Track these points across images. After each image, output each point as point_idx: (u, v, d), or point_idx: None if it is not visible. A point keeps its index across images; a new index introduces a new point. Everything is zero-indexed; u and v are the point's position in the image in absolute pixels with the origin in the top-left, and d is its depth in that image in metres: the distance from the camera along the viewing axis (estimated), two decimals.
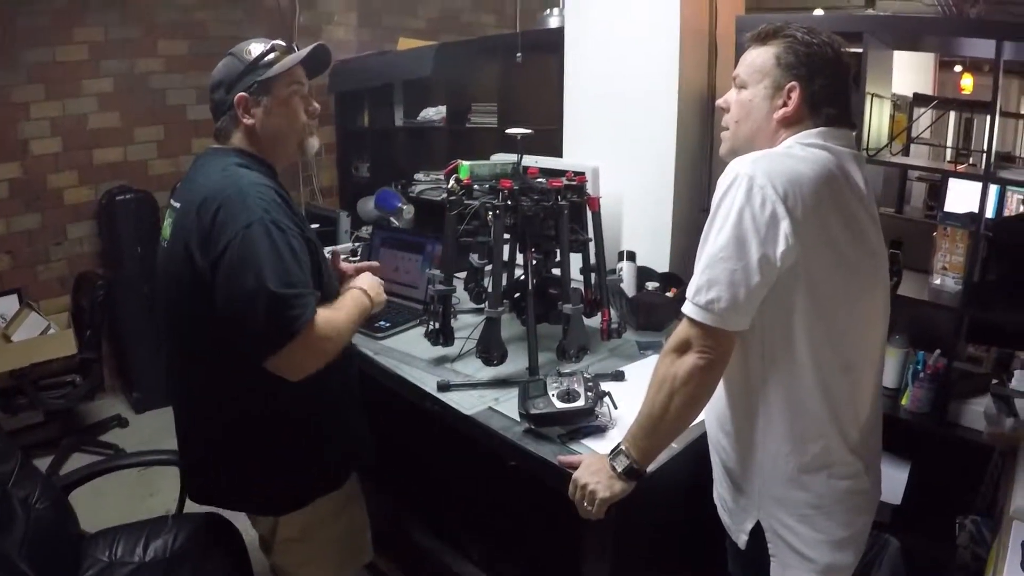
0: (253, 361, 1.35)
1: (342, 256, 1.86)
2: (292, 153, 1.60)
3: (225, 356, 1.43)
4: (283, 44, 1.54)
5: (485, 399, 1.71)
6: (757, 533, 1.29)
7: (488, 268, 2.00)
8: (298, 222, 1.45)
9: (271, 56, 1.50)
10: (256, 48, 1.50)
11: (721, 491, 1.39)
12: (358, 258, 2.43)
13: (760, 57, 1.27)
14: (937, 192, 2.75)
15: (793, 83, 1.23)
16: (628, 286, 2.23)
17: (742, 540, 1.31)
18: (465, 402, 1.70)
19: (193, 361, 1.52)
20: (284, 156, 1.59)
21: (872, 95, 2.18)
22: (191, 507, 2.08)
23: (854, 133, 1.31)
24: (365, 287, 1.64)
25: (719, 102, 1.36)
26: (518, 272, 2.02)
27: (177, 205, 1.49)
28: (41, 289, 3.78)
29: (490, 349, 1.79)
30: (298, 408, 1.51)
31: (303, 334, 1.32)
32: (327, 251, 1.70)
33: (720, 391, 1.30)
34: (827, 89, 1.23)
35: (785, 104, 1.24)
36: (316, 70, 1.61)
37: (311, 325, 1.34)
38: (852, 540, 1.27)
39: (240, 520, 2.12)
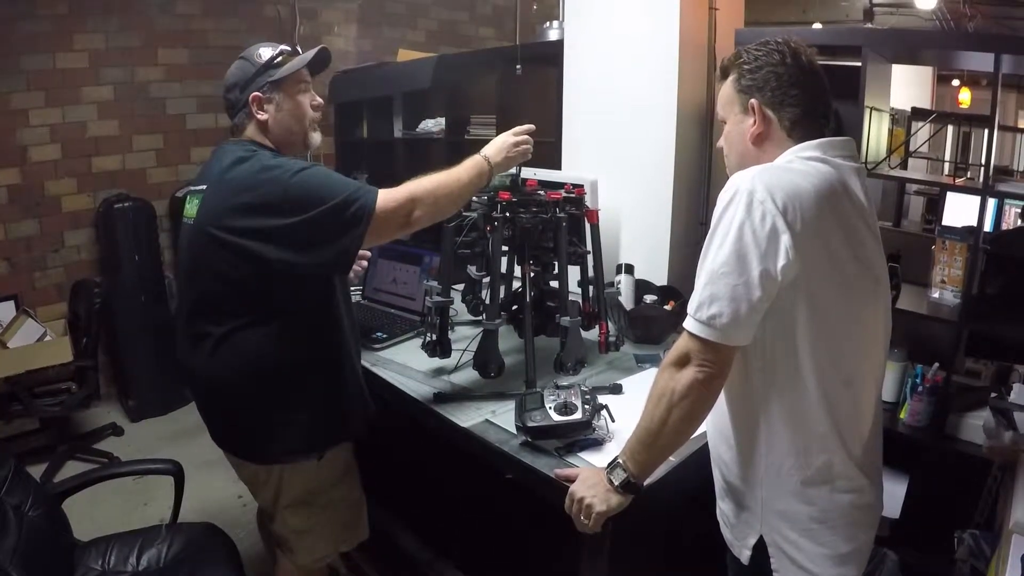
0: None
1: None
2: (299, 145, 1.73)
3: (239, 315, 1.57)
4: (288, 48, 1.69)
5: (482, 411, 1.70)
6: (760, 548, 1.28)
7: (486, 280, 2.00)
8: None
9: (280, 59, 1.65)
10: (266, 52, 1.65)
11: (723, 506, 1.38)
12: None
13: (725, 90, 1.33)
14: (935, 206, 2.77)
15: (752, 100, 1.27)
16: (626, 299, 2.23)
17: (745, 555, 1.30)
18: (462, 414, 1.69)
19: (210, 324, 1.61)
20: (291, 149, 1.71)
21: (871, 109, 2.19)
22: (186, 516, 2.08)
23: (855, 142, 1.31)
24: (486, 153, 1.74)
25: (717, 144, 1.42)
26: (516, 284, 2.02)
27: (202, 187, 1.61)
28: (38, 296, 3.78)
29: (487, 361, 1.78)
30: (304, 366, 1.63)
31: (375, 213, 1.48)
32: None
33: (722, 406, 1.30)
34: (779, 91, 1.25)
35: (755, 123, 1.27)
36: (318, 68, 1.74)
37: (376, 203, 1.49)
38: (855, 555, 1.26)
39: (235, 529, 2.12)
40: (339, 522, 1.85)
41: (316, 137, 1.75)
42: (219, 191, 1.54)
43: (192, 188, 1.67)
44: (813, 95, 1.26)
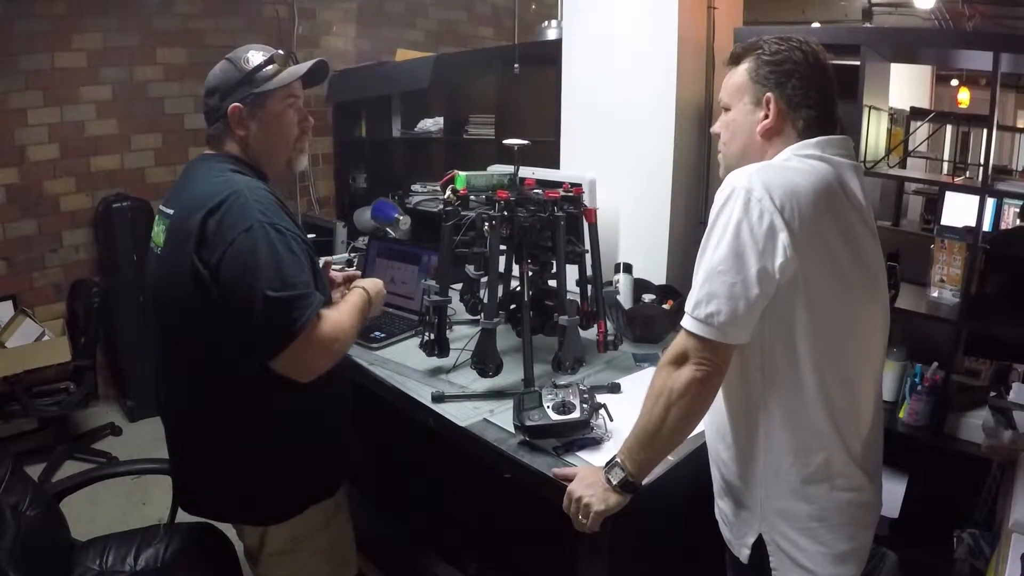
0: (260, 362, 1.34)
1: (333, 266, 1.85)
2: (280, 168, 1.57)
3: (218, 361, 1.41)
4: (282, 54, 1.52)
5: (480, 410, 1.69)
6: (759, 547, 1.27)
7: (484, 279, 2.00)
8: (296, 225, 1.44)
9: (269, 68, 1.47)
10: (255, 57, 1.47)
11: (722, 505, 1.37)
12: (353, 268, 2.44)
13: (736, 77, 1.30)
14: (934, 205, 2.76)
15: (768, 94, 1.24)
16: (624, 298, 2.22)
17: (744, 554, 1.30)
18: (460, 413, 1.68)
19: (186, 368, 1.49)
20: (272, 169, 1.56)
21: (869, 108, 2.19)
22: (183, 516, 2.06)
23: (852, 140, 1.31)
24: (368, 288, 1.63)
25: (712, 129, 1.39)
26: (514, 283, 2.01)
27: (170, 211, 1.45)
28: (36, 296, 3.77)
29: (485, 360, 1.78)
30: (289, 416, 1.47)
31: (304, 335, 1.31)
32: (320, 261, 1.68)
33: (720, 404, 1.30)
34: (800, 91, 1.23)
35: (766, 116, 1.25)
36: (312, 82, 1.58)
37: (313, 325, 1.32)
38: (854, 553, 1.26)
39: (232, 530, 2.11)
40: (327, 563, 1.70)
41: (303, 160, 1.59)
42: (186, 218, 1.37)
43: (162, 208, 1.49)
44: (828, 99, 1.26)
